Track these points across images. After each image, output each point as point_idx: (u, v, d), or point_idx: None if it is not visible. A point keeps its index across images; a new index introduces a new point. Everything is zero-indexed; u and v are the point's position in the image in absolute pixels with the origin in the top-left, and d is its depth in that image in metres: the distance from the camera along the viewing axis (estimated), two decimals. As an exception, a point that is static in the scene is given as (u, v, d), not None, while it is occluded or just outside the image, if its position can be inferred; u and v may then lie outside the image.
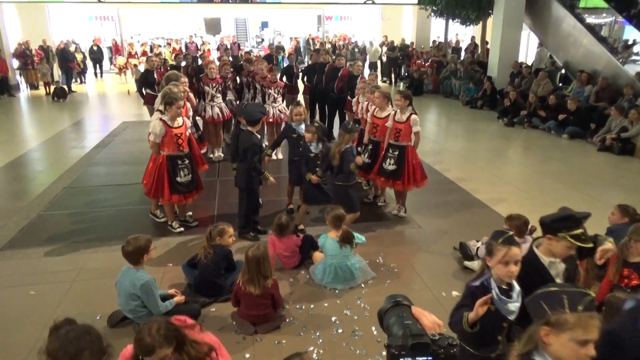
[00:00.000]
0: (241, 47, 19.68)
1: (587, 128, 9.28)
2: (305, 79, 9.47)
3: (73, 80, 17.23)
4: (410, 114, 5.07)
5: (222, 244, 3.84)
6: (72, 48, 17.64)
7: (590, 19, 12.78)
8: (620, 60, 10.55)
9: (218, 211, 5.65)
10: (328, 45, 18.50)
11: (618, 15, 13.32)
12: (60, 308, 3.66)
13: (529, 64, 13.58)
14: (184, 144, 4.83)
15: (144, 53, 16.39)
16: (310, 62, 10.25)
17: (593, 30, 11.58)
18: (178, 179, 4.81)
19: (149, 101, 8.04)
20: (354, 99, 6.81)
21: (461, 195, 6.14)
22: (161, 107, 4.87)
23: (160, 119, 4.70)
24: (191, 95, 6.31)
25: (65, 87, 14.67)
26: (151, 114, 8.05)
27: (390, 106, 5.47)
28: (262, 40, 24.74)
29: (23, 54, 15.59)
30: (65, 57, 15.89)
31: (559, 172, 7.23)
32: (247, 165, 4.62)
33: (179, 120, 4.79)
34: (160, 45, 19.92)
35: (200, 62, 10.45)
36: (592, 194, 6.22)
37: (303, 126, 5.14)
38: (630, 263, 3.25)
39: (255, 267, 3.32)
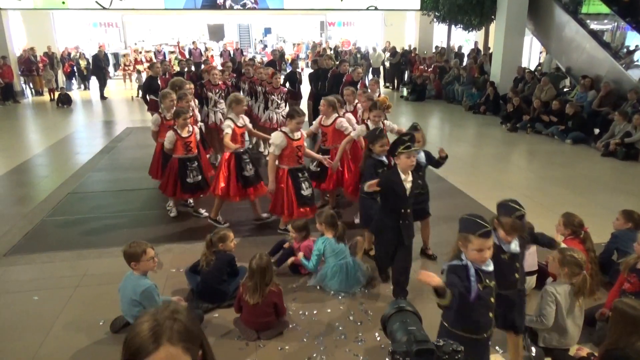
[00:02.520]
0: (244, 54, 19.77)
1: (591, 133, 9.25)
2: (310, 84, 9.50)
3: (80, 86, 17.39)
4: (336, 118, 5.42)
5: (224, 249, 3.84)
6: (75, 54, 17.80)
7: (593, 25, 12.77)
8: (623, 65, 10.53)
9: (220, 215, 5.65)
10: (329, 51, 18.56)
11: (621, 20, 13.31)
12: (64, 314, 3.66)
13: (532, 69, 13.58)
14: (193, 147, 5.29)
15: (149, 60, 16.48)
16: (310, 68, 10.26)
17: (596, 35, 11.58)
18: (188, 180, 5.24)
19: (152, 107, 8.08)
20: (346, 106, 6.73)
21: (464, 200, 6.12)
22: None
23: (173, 129, 5.19)
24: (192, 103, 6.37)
25: (68, 93, 14.78)
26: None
27: (339, 112, 5.55)
28: (265, 46, 24.83)
29: (28, 60, 15.71)
30: (98, 64, 15.99)
31: (563, 177, 7.21)
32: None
33: (189, 129, 5.26)
34: (162, 51, 20.02)
35: (202, 67, 10.51)
36: (596, 199, 6.20)
37: (422, 154, 4.38)
38: (638, 269, 3.24)
39: (260, 277, 3.31)
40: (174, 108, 5.50)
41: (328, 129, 5.43)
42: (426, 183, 4.45)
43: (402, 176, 3.43)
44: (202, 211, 5.61)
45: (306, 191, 4.76)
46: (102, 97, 15.56)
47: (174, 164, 5.28)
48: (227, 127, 4.99)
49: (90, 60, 16.80)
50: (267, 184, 4.95)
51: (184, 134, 5.21)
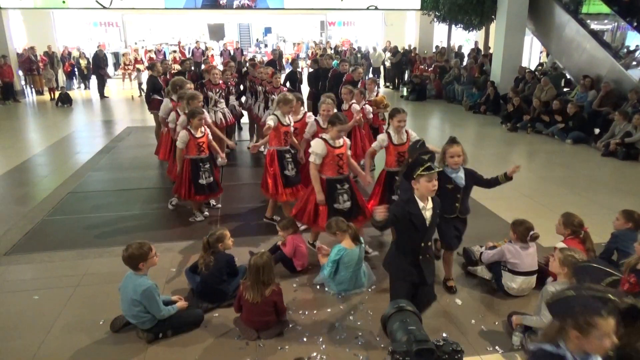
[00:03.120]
0: (244, 53, 19.77)
1: (591, 133, 9.25)
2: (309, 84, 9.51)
3: (80, 86, 17.39)
4: (305, 113, 5.64)
5: (224, 249, 3.83)
6: (75, 54, 17.80)
7: (593, 25, 12.77)
8: (624, 65, 10.53)
9: (221, 215, 5.67)
10: (330, 51, 18.56)
11: (621, 20, 13.30)
12: (64, 313, 3.66)
13: (532, 69, 13.58)
14: (205, 148, 5.30)
15: (150, 59, 16.48)
16: (310, 68, 10.28)
17: (596, 35, 11.58)
18: (201, 181, 5.26)
19: (155, 106, 8.07)
20: (343, 105, 6.75)
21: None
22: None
23: (187, 129, 5.18)
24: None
25: (68, 93, 14.79)
26: (156, 119, 8.10)
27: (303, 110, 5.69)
28: (265, 45, 24.82)
29: (28, 59, 15.71)
30: (97, 63, 16.01)
31: (563, 177, 7.21)
32: None
33: (202, 129, 5.27)
34: (162, 51, 20.01)
35: (202, 66, 10.51)
36: (596, 199, 6.20)
37: (462, 173, 3.81)
38: (637, 270, 3.24)
39: (256, 274, 3.31)
40: (191, 110, 5.31)
41: (297, 124, 5.52)
42: (468, 207, 3.88)
43: (421, 204, 2.98)
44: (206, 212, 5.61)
45: (342, 205, 4.26)
46: (102, 96, 15.60)
47: (186, 165, 5.25)
48: (271, 120, 4.91)
49: (91, 60, 16.83)
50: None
51: (198, 135, 5.20)
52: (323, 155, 4.20)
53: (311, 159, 4.25)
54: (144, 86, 15.85)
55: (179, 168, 5.31)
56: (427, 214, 2.99)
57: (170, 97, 6.16)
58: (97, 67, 16.04)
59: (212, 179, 5.34)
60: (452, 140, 3.74)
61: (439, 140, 9.98)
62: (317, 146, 4.21)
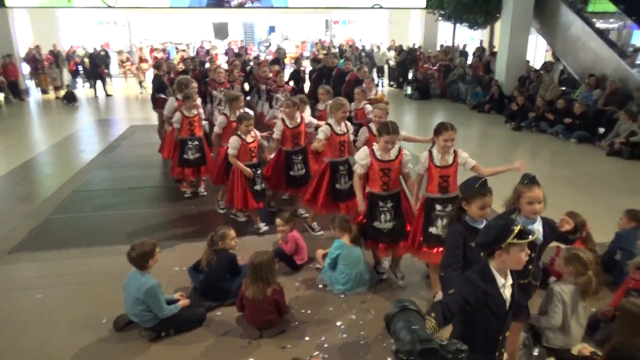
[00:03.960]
0: (249, 52, 19.77)
1: (596, 132, 9.20)
2: (311, 83, 9.50)
3: (84, 85, 17.44)
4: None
5: (225, 248, 3.83)
6: (81, 53, 17.85)
7: (599, 23, 12.71)
8: (630, 64, 10.46)
9: (224, 214, 5.66)
10: (334, 50, 18.53)
11: (627, 19, 13.23)
12: (67, 311, 3.67)
13: (537, 67, 13.51)
14: (256, 154, 5.00)
15: (155, 59, 16.52)
16: (310, 66, 10.27)
17: (602, 34, 11.51)
18: (256, 187, 4.97)
19: (160, 105, 8.07)
20: (352, 104, 6.74)
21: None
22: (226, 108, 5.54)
23: (237, 134, 4.85)
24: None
25: (73, 91, 14.85)
26: (160, 118, 8.11)
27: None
28: (270, 44, 24.82)
29: (33, 58, 15.78)
30: (94, 62, 16.08)
31: (568, 176, 7.17)
32: None
33: (253, 134, 4.96)
34: (167, 50, 20.07)
35: (207, 65, 10.52)
36: (601, 198, 6.16)
37: (540, 225, 2.80)
38: None
39: (255, 272, 3.32)
40: (240, 115, 5.03)
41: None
42: (541, 270, 2.99)
43: (500, 280, 2.14)
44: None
45: (382, 224, 3.88)
46: (106, 94, 15.64)
47: (237, 173, 4.90)
48: (322, 133, 4.59)
49: (88, 60, 16.91)
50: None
51: (249, 140, 4.87)
52: (367, 166, 3.80)
53: (355, 168, 3.94)
54: (145, 84, 15.97)
55: (230, 177, 5.00)
56: (507, 292, 2.16)
57: (176, 96, 6.16)
58: (95, 66, 16.09)
59: (264, 184, 5.11)
60: (532, 181, 2.79)
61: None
62: (361, 157, 3.84)
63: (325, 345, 3.26)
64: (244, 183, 4.89)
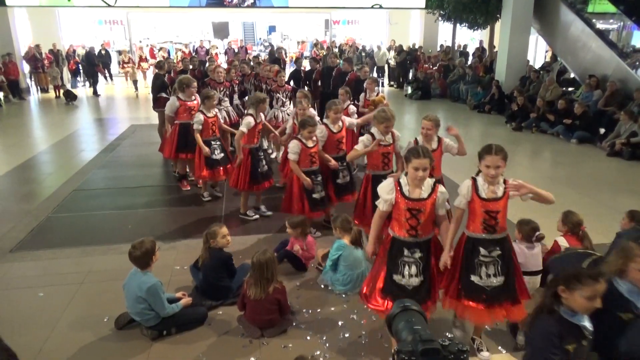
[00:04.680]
0: (248, 52, 19.77)
1: (596, 133, 9.21)
2: (309, 83, 9.48)
3: (84, 84, 17.44)
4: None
5: (217, 246, 3.79)
6: (80, 52, 17.84)
7: (599, 24, 12.70)
8: (628, 63, 10.46)
9: (225, 212, 5.67)
10: (335, 50, 18.52)
11: (627, 19, 13.22)
12: (68, 310, 3.68)
13: (537, 67, 13.52)
14: (317, 160, 4.75)
15: (162, 57, 16.49)
16: (309, 66, 10.27)
17: (602, 34, 11.51)
18: (315, 195, 4.70)
19: (162, 105, 8.06)
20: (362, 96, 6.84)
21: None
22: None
23: (297, 138, 4.67)
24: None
25: (73, 90, 14.85)
26: (161, 117, 8.10)
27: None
28: (270, 44, 24.84)
29: (34, 57, 15.77)
30: (90, 61, 16.08)
31: (568, 177, 7.18)
32: None
33: (314, 139, 4.72)
34: (166, 49, 20.07)
35: (207, 64, 10.51)
36: (602, 199, 6.17)
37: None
38: None
39: (259, 271, 3.32)
40: (302, 119, 4.84)
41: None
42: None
43: None
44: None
45: (406, 279, 3.00)
46: (95, 94, 15.63)
47: (296, 180, 4.67)
48: (361, 143, 4.27)
49: (83, 58, 16.92)
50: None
51: (310, 144, 4.64)
52: (391, 202, 2.98)
53: (378, 202, 3.09)
54: (145, 84, 15.97)
55: (288, 183, 4.81)
56: None
57: (177, 96, 6.15)
58: (92, 65, 16.09)
59: (324, 192, 4.81)
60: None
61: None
62: (385, 192, 3.02)
63: (327, 345, 3.27)
64: (302, 190, 4.64)
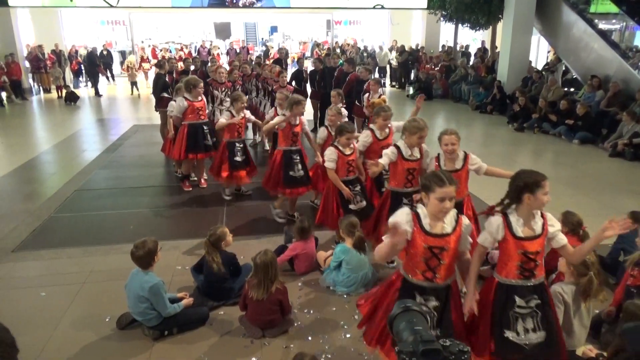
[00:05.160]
0: (250, 52, 19.78)
1: (599, 133, 9.19)
2: (311, 83, 9.49)
3: (87, 84, 17.48)
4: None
5: (226, 246, 3.81)
6: (83, 52, 17.89)
7: (602, 24, 12.69)
8: (631, 64, 10.45)
9: (227, 214, 5.68)
10: (337, 50, 18.54)
11: (630, 20, 13.21)
12: (70, 310, 3.69)
13: (539, 68, 13.50)
14: (354, 168, 4.49)
15: (163, 58, 16.52)
16: (312, 66, 10.27)
17: (604, 35, 11.49)
18: (351, 206, 4.39)
19: (165, 105, 8.07)
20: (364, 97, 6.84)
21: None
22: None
23: (334, 146, 4.37)
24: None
25: (75, 91, 14.89)
26: (162, 117, 8.11)
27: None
28: (265, 44, 24.84)
29: (36, 58, 15.81)
30: (92, 61, 16.13)
31: (570, 177, 7.17)
32: None
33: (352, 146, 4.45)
34: (169, 50, 20.12)
35: (209, 64, 10.53)
36: (604, 200, 6.16)
37: None
38: None
39: (264, 272, 3.33)
40: (340, 125, 4.54)
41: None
42: None
43: None
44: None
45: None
46: (97, 94, 15.67)
47: (333, 191, 4.43)
48: (386, 157, 3.85)
49: (85, 59, 16.95)
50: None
51: (347, 152, 4.38)
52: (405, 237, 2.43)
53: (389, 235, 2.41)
54: (142, 84, 15.99)
55: (324, 193, 4.57)
56: None
57: (184, 96, 6.09)
58: (93, 65, 16.13)
59: (364, 202, 4.51)
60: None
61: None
62: (402, 218, 2.45)
63: (328, 346, 3.27)
64: (338, 201, 4.38)
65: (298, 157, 5.09)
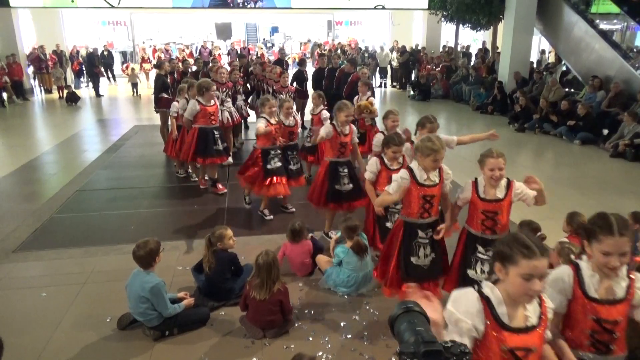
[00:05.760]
0: (251, 53, 19.80)
1: (600, 134, 9.18)
2: (317, 84, 9.49)
3: (88, 84, 17.50)
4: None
5: (224, 248, 3.80)
6: (84, 52, 17.91)
7: (603, 25, 12.68)
8: (632, 64, 10.43)
9: (227, 214, 5.68)
10: (338, 51, 18.53)
11: (631, 20, 13.20)
12: (71, 310, 3.69)
13: (540, 69, 13.49)
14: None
15: (159, 58, 16.54)
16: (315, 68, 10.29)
17: (605, 35, 11.48)
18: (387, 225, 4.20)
19: (165, 105, 8.07)
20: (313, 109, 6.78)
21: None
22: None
23: (380, 157, 4.06)
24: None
25: (76, 91, 14.91)
26: (162, 117, 8.12)
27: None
28: (272, 45, 24.87)
29: (37, 58, 15.83)
30: (91, 62, 16.16)
31: (571, 178, 7.16)
32: None
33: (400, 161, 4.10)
34: (169, 50, 20.13)
35: (210, 65, 10.54)
36: (605, 200, 6.15)
37: None
38: None
39: (266, 272, 3.32)
40: (388, 135, 4.24)
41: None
42: None
43: None
44: None
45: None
46: (97, 95, 15.69)
47: (372, 213, 4.18)
48: (395, 183, 3.32)
49: (85, 59, 16.97)
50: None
51: (394, 166, 3.99)
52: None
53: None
54: (143, 84, 16.00)
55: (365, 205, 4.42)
56: None
57: (197, 99, 5.96)
58: (92, 66, 16.16)
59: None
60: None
61: (446, 141, 9.93)
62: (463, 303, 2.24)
63: (329, 346, 3.26)
64: (375, 217, 4.14)
65: (346, 170, 4.60)
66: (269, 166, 5.18)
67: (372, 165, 3.98)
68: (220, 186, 6.37)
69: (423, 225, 3.28)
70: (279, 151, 5.27)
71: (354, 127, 4.77)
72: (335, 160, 4.59)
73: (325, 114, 6.30)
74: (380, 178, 3.95)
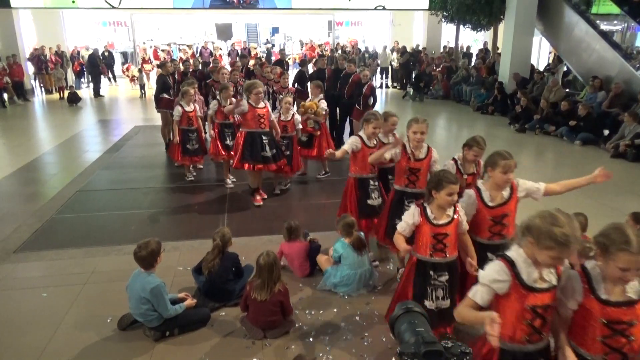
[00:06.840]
0: (252, 53, 19.80)
1: (600, 134, 9.18)
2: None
3: (88, 85, 17.52)
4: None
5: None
6: (85, 53, 17.93)
7: (603, 25, 12.67)
8: (632, 65, 10.43)
9: (228, 215, 5.68)
10: (339, 52, 18.54)
11: (631, 20, 13.19)
12: (72, 310, 3.69)
13: (541, 69, 13.49)
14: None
15: (164, 59, 16.56)
16: (314, 67, 10.26)
17: (606, 35, 11.48)
18: (264, 154, 5.37)
19: (166, 105, 8.08)
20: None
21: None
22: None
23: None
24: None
25: (77, 92, 14.92)
26: (163, 118, 8.13)
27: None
28: (273, 45, 24.86)
29: (38, 59, 15.85)
30: (93, 62, 16.18)
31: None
32: None
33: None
34: (170, 51, 20.14)
35: (211, 65, 10.54)
36: (605, 201, 6.14)
37: None
38: None
39: (268, 273, 3.32)
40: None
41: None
42: None
43: None
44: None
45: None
46: (97, 95, 15.70)
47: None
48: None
49: (86, 60, 16.99)
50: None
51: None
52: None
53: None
54: (147, 86, 16.02)
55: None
56: None
57: (220, 102, 6.21)
58: (93, 66, 16.18)
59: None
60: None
61: (446, 142, 9.95)
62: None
63: (329, 347, 3.26)
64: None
65: (376, 183, 4.33)
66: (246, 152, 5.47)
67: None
68: (258, 197, 5.93)
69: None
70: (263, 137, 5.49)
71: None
72: (363, 177, 4.28)
73: (297, 117, 6.31)
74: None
